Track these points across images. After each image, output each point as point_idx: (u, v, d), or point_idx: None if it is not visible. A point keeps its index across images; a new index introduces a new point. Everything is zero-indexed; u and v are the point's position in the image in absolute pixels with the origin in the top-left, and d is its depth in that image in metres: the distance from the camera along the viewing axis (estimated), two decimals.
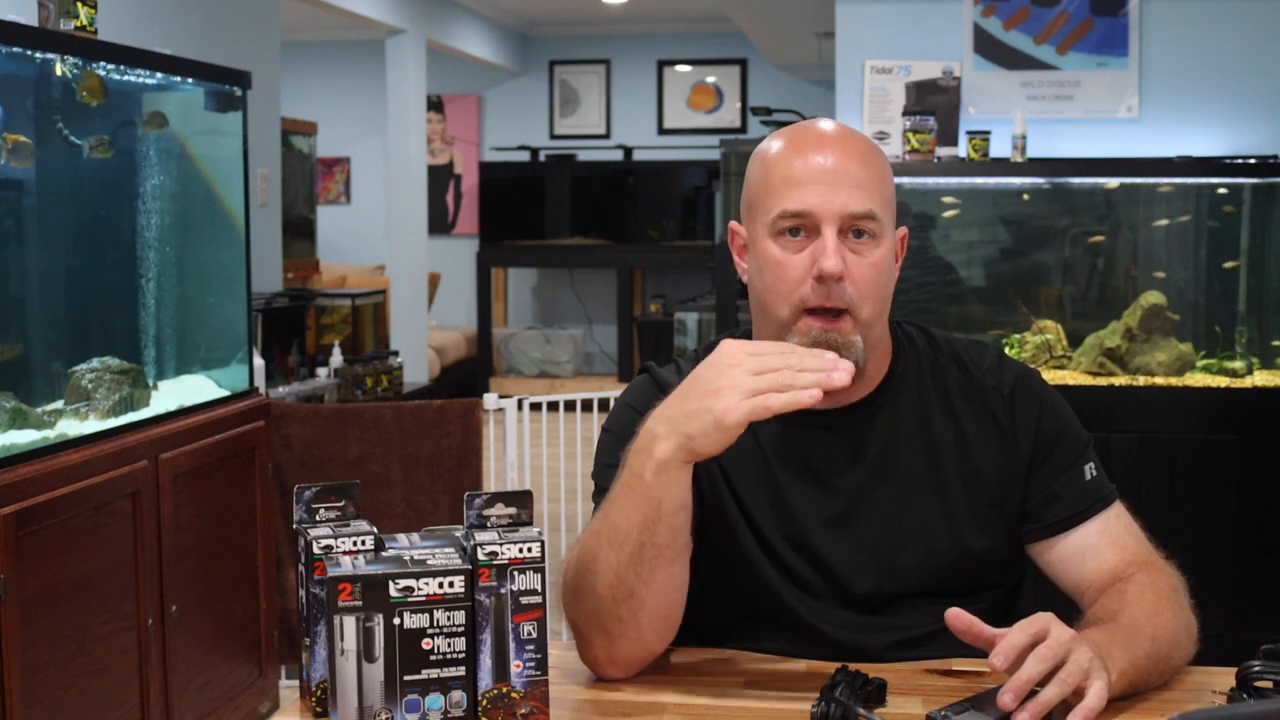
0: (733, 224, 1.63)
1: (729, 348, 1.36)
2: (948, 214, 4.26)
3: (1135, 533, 1.58)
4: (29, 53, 2.74)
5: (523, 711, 1.29)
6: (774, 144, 1.57)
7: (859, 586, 1.56)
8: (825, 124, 1.58)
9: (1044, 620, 1.30)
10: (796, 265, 1.51)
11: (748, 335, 1.67)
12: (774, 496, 1.57)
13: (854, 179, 1.50)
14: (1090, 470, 1.59)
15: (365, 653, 1.24)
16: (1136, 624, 1.42)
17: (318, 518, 1.39)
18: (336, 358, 5.14)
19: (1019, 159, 4.08)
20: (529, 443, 3.96)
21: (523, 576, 1.28)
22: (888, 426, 1.59)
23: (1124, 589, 1.49)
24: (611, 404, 1.75)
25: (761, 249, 1.54)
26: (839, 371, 1.32)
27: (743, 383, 1.32)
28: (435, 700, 1.26)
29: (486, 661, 1.28)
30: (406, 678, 1.25)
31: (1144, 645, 1.39)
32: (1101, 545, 1.55)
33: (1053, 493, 1.57)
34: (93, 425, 2.87)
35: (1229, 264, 4.14)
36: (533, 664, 1.29)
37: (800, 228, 1.51)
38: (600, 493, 1.59)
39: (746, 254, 1.60)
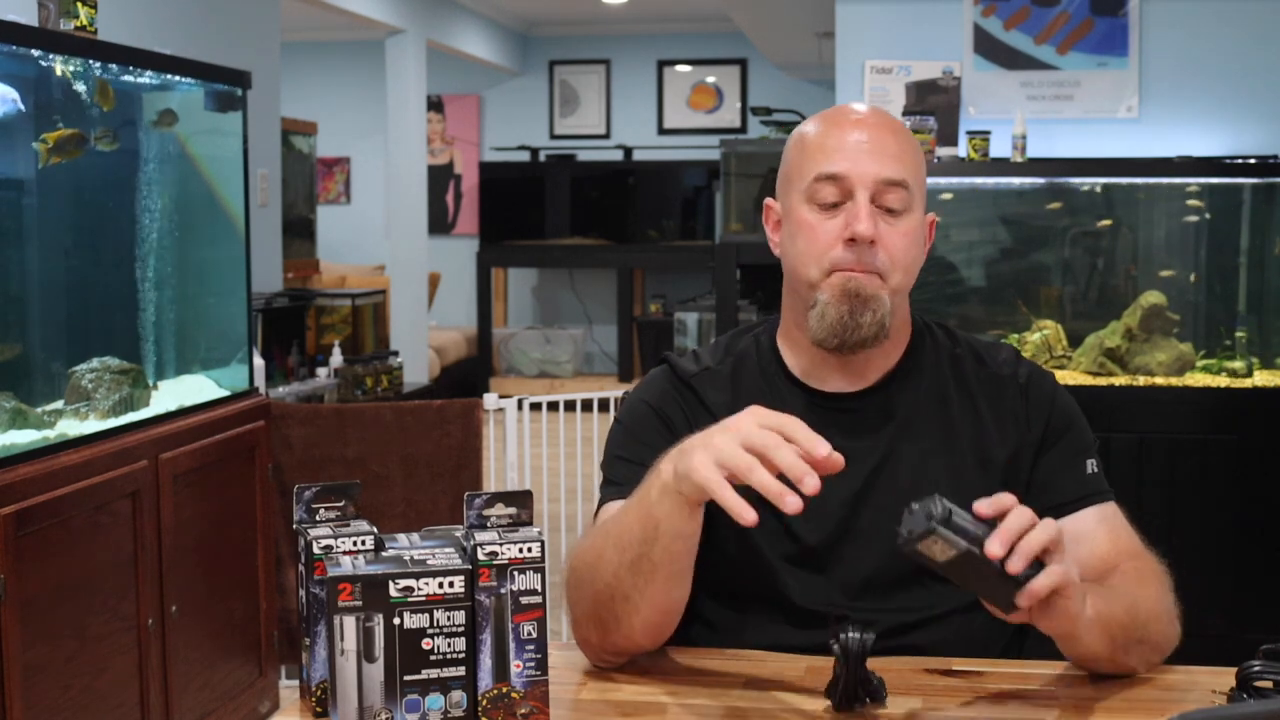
0: (768, 201, 1.67)
1: (752, 410, 1.32)
2: (948, 214, 4.26)
3: (1130, 532, 1.60)
4: (29, 53, 2.74)
5: (523, 711, 1.29)
6: (810, 123, 1.62)
7: (872, 565, 1.56)
8: (861, 105, 1.63)
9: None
10: (829, 229, 1.54)
11: (760, 333, 1.69)
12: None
13: (888, 150, 1.55)
14: (1092, 466, 1.62)
15: (365, 653, 1.24)
16: (1121, 586, 1.48)
17: (318, 518, 1.39)
18: (336, 358, 5.14)
19: (1019, 159, 4.08)
20: (529, 443, 3.96)
21: (523, 576, 1.28)
22: (904, 408, 1.61)
23: (1111, 572, 1.53)
24: (612, 404, 1.77)
25: (795, 215, 1.58)
26: (810, 478, 1.24)
27: (724, 449, 1.29)
28: (435, 700, 1.26)
29: (486, 661, 1.28)
30: (406, 678, 1.25)
31: (1123, 601, 1.43)
32: (1098, 532, 1.58)
33: (1055, 479, 1.60)
34: (93, 425, 2.87)
35: (1228, 264, 4.14)
36: (533, 664, 1.29)
37: (834, 195, 1.54)
38: (607, 483, 1.61)
39: (780, 229, 1.63)
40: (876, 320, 1.54)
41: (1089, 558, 1.55)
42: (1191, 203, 4.13)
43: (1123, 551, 1.56)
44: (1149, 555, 1.57)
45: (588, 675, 1.49)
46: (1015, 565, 1.25)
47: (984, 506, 1.28)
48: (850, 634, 1.30)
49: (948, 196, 4.19)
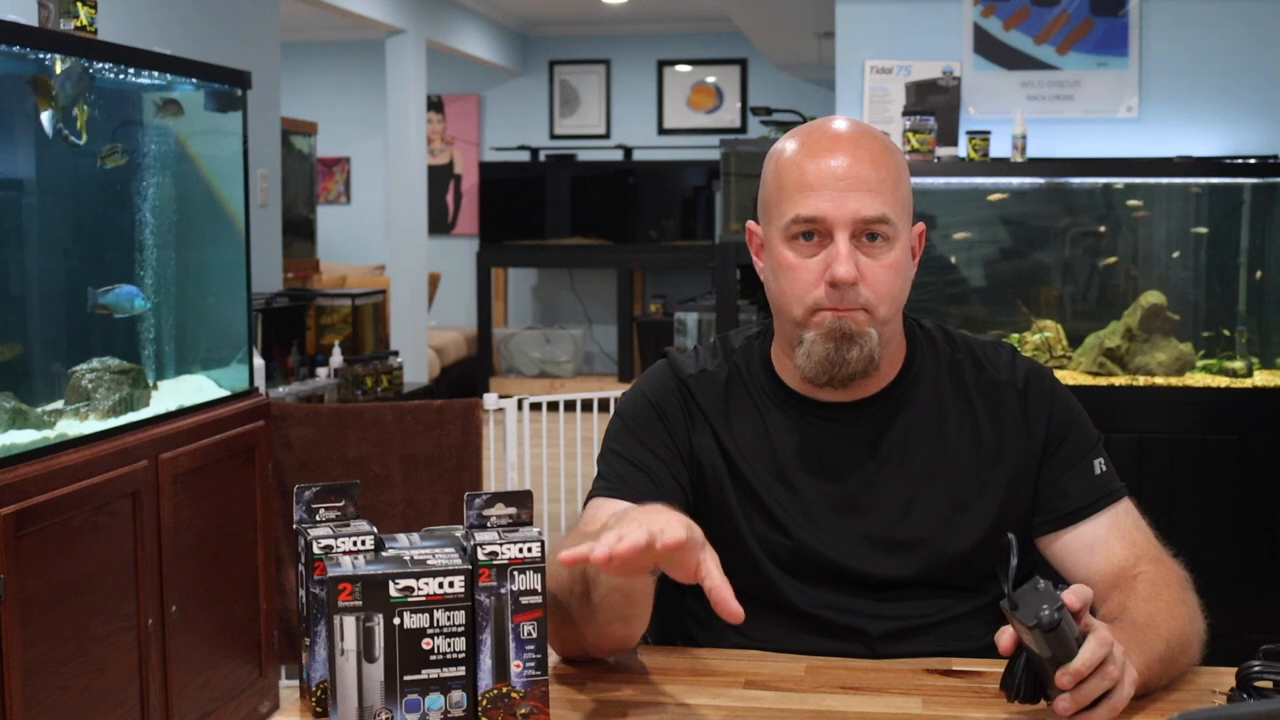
0: (749, 224, 1.65)
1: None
2: (948, 214, 4.26)
3: (1143, 529, 1.59)
4: (29, 53, 2.74)
5: (523, 711, 1.29)
6: (788, 145, 1.57)
7: (865, 571, 1.56)
8: (839, 124, 1.57)
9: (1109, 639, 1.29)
10: (810, 269, 1.52)
11: (753, 335, 1.69)
12: (783, 484, 1.58)
13: (866, 183, 1.51)
14: (1100, 465, 1.60)
15: (365, 653, 1.24)
16: (1153, 624, 1.43)
17: (318, 518, 1.39)
18: (336, 358, 5.14)
19: (1019, 159, 4.08)
20: (529, 443, 3.96)
21: (523, 576, 1.28)
22: (903, 419, 1.60)
23: (1137, 586, 1.50)
24: (612, 404, 1.78)
25: (776, 253, 1.55)
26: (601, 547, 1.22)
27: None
28: (435, 700, 1.26)
29: (486, 661, 1.28)
30: (406, 678, 1.25)
31: (1159, 647, 1.40)
32: (1111, 539, 1.56)
33: (1063, 486, 1.59)
34: (93, 425, 2.87)
35: (1250, 272, 4.13)
36: (533, 664, 1.29)
37: (813, 232, 1.52)
38: (600, 478, 1.61)
39: (764, 254, 1.61)
40: (864, 355, 1.52)
41: (1106, 567, 1.54)
42: (1132, 202, 4.13)
43: (1140, 555, 1.55)
44: (1166, 558, 1.55)
45: (588, 675, 1.49)
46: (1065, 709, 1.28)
47: (1071, 599, 1.27)
48: (1043, 612, 1.25)
49: (948, 200, 4.19)
